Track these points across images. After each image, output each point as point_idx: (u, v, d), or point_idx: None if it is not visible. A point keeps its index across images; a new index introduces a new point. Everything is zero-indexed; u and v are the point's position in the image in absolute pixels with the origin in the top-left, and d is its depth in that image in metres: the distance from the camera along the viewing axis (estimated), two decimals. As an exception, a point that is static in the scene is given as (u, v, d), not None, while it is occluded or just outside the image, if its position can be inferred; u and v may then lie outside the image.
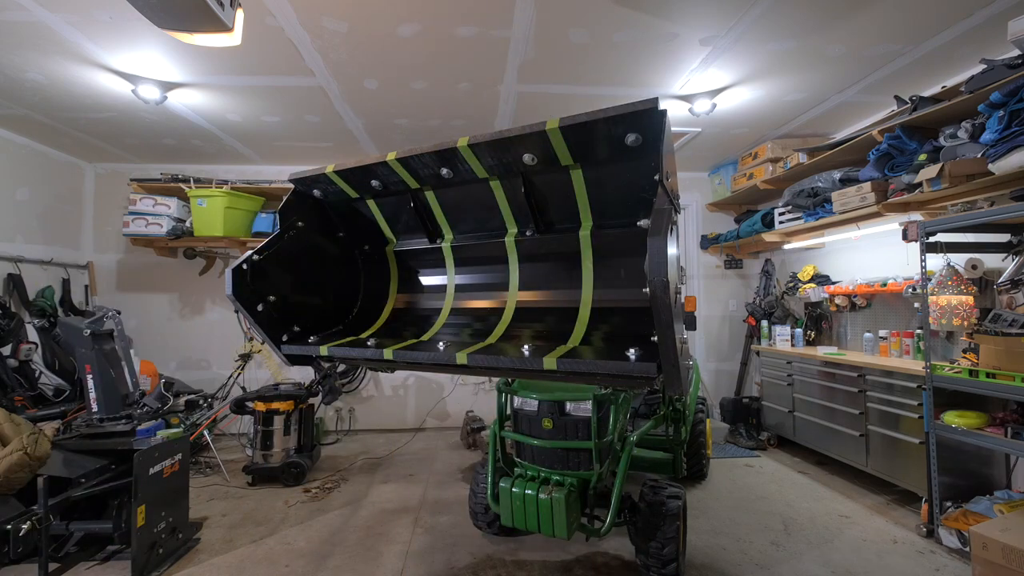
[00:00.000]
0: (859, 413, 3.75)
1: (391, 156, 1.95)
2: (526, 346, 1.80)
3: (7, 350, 4.15)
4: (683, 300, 1.87)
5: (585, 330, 1.99)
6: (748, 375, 5.67)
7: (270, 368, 5.58)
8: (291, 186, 2.27)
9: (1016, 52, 2.65)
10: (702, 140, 4.85)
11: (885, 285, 3.95)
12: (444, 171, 1.98)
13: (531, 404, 2.57)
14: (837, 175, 4.03)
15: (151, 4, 1.93)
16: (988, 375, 2.74)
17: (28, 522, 2.56)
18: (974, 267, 3.26)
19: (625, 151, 1.67)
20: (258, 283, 2.08)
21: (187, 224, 5.07)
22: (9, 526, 2.57)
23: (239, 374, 5.21)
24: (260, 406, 4.10)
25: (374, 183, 2.16)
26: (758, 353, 5.14)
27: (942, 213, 3.23)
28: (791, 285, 5.12)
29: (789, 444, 4.75)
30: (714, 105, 3.92)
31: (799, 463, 4.43)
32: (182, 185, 5.01)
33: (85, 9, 2.68)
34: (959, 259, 3.24)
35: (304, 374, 5.17)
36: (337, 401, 5.34)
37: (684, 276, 2.19)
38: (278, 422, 4.09)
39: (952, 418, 2.93)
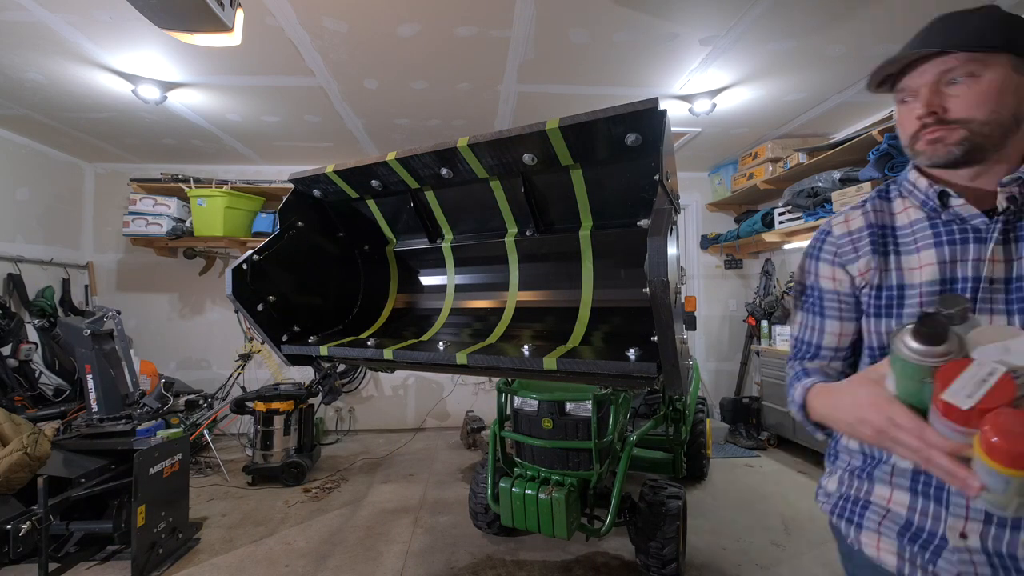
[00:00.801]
0: (859, 413, 3.74)
1: (391, 156, 1.94)
2: (526, 346, 1.80)
3: (7, 350, 4.15)
4: (683, 300, 1.87)
5: (585, 330, 1.99)
6: (748, 375, 5.67)
7: (270, 368, 5.58)
8: (291, 186, 2.26)
9: (1016, 52, 2.65)
10: (702, 140, 4.85)
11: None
12: (444, 171, 1.98)
13: (531, 404, 2.57)
14: (837, 175, 4.03)
15: (151, 4, 1.93)
16: (988, 375, 2.73)
17: (28, 522, 2.56)
18: (974, 267, 3.25)
19: (625, 151, 1.67)
20: (258, 283, 2.08)
21: (187, 224, 5.07)
22: (9, 526, 2.57)
23: (239, 374, 5.21)
24: (260, 406, 4.10)
25: (374, 183, 2.16)
26: (758, 353, 5.14)
27: (942, 213, 3.23)
28: (791, 285, 5.12)
29: (789, 444, 4.75)
30: (714, 105, 3.92)
31: (799, 463, 4.43)
32: (182, 185, 5.01)
33: (85, 9, 2.68)
34: (959, 259, 3.23)
35: (304, 374, 5.17)
36: (337, 401, 5.34)
37: (684, 276, 2.19)
38: (278, 422, 4.09)
39: (952, 418, 2.92)
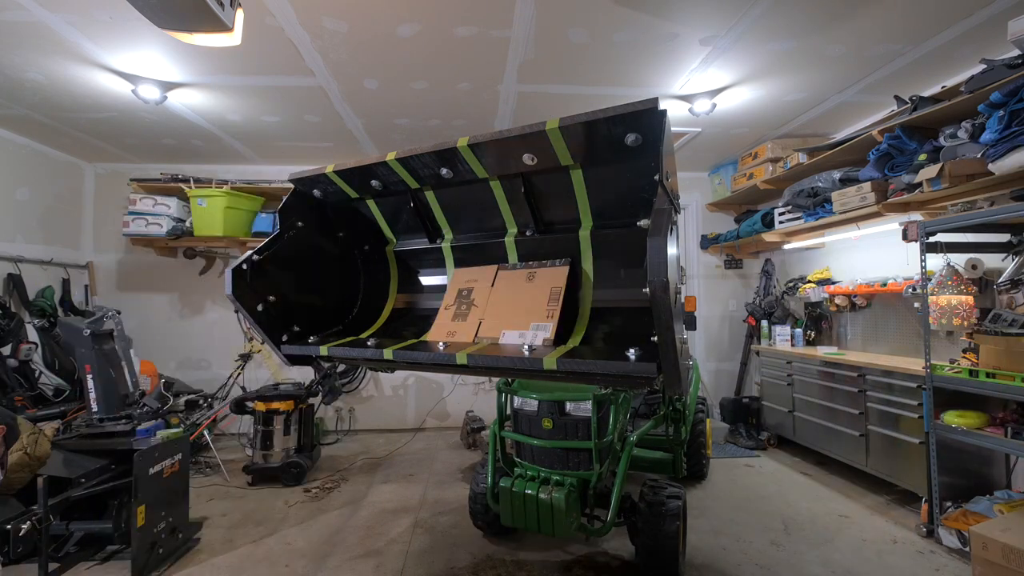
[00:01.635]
0: (859, 413, 3.75)
1: (391, 156, 1.95)
2: (526, 346, 1.80)
3: (7, 350, 4.15)
4: (683, 300, 1.87)
5: (585, 330, 1.99)
6: (748, 375, 5.67)
7: (270, 368, 5.58)
8: (291, 186, 2.27)
9: (1016, 52, 2.65)
10: (702, 140, 4.85)
11: (885, 285, 3.95)
12: (444, 171, 1.98)
13: (531, 404, 2.57)
14: (837, 175, 4.03)
15: (151, 4, 1.93)
16: (988, 375, 2.74)
17: (28, 522, 2.56)
18: (974, 267, 3.26)
19: (625, 151, 1.67)
20: (258, 283, 2.08)
21: (187, 224, 5.07)
22: (9, 526, 2.56)
23: (239, 374, 5.21)
24: (260, 406, 4.10)
25: (374, 183, 2.16)
26: (758, 353, 5.14)
27: (942, 213, 3.23)
28: (791, 285, 5.12)
29: (789, 444, 4.75)
30: (714, 105, 3.92)
31: (799, 463, 4.43)
32: (182, 185, 5.01)
33: (85, 9, 2.68)
34: (959, 259, 3.24)
35: (304, 374, 5.17)
36: (337, 401, 5.34)
37: (684, 276, 2.19)
38: (278, 422, 4.09)
39: (952, 418, 2.93)
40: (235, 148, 5.03)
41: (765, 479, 4.06)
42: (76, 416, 3.57)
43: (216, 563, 2.84)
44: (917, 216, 3.34)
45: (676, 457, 3.58)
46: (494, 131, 1.85)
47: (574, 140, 1.69)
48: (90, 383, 3.11)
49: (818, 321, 4.88)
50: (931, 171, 2.97)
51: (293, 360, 2.18)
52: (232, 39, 2.19)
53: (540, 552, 2.90)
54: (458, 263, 2.39)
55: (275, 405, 4.09)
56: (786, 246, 5.12)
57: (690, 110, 3.97)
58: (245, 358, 5.28)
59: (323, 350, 2.09)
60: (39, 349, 4.44)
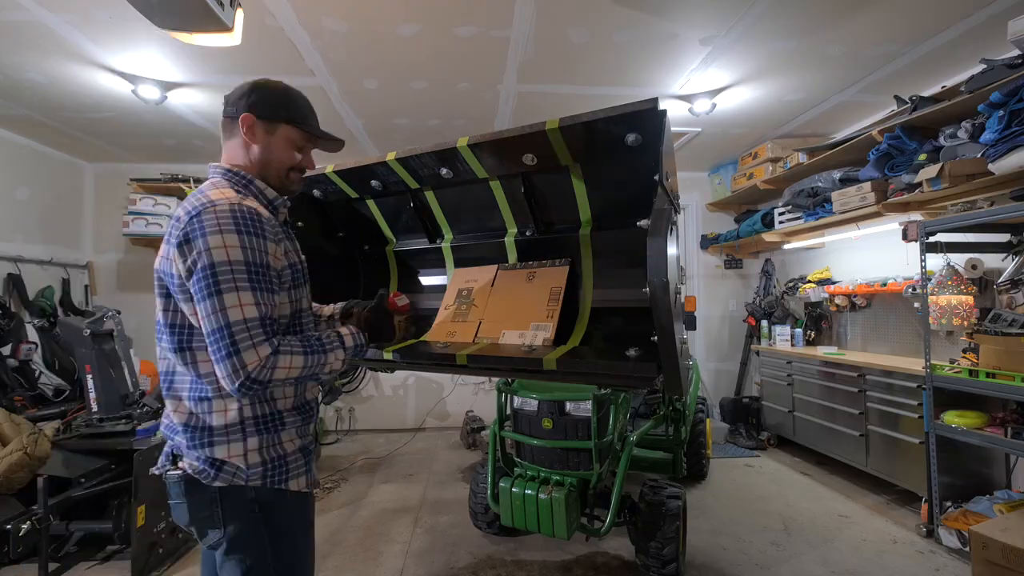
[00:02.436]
0: (859, 413, 3.75)
1: (391, 156, 1.94)
2: (526, 346, 1.80)
3: (7, 350, 4.15)
4: (683, 300, 1.87)
5: (585, 330, 1.99)
6: (748, 375, 5.67)
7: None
8: (291, 186, 2.26)
9: (1016, 52, 2.65)
10: (702, 140, 4.85)
11: (885, 285, 3.95)
12: (444, 171, 1.97)
13: (531, 404, 2.57)
14: (837, 175, 4.03)
15: (151, 4, 1.93)
16: (988, 375, 2.74)
17: (28, 522, 2.57)
18: (974, 267, 3.26)
19: (625, 151, 1.66)
20: (258, 283, 2.08)
21: (187, 224, 5.06)
22: (9, 526, 2.57)
23: (239, 374, 5.21)
24: (260, 406, 4.09)
25: (374, 183, 2.16)
26: (758, 353, 5.14)
27: (942, 213, 3.23)
28: (791, 285, 5.12)
29: (789, 444, 4.75)
30: (714, 105, 3.92)
31: (799, 463, 4.43)
32: (182, 185, 5.01)
33: (85, 9, 2.68)
34: (959, 259, 3.24)
35: (304, 374, 5.17)
36: (337, 401, 5.34)
37: (684, 276, 2.19)
38: (278, 422, 4.08)
39: (952, 418, 2.93)
40: (235, 148, 5.02)
41: (765, 479, 4.06)
42: (76, 416, 3.56)
43: (216, 563, 2.84)
44: (917, 216, 3.34)
45: (676, 457, 3.58)
46: (494, 131, 1.85)
47: (574, 140, 1.69)
48: (90, 383, 3.10)
49: (818, 321, 4.88)
50: (931, 171, 2.97)
51: (293, 360, 2.18)
52: (232, 39, 2.19)
53: (540, 552, 2.90)
54: (458, 263, 2.38)
55: (275, 405, 4.08)
56: (786, 246, 5.12)
57: (690, 110, 3.97)
58: (245, 358, 5.28)
59: (323, 350, 2.09)
60: (39, 349, 4.43)
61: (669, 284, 1.31)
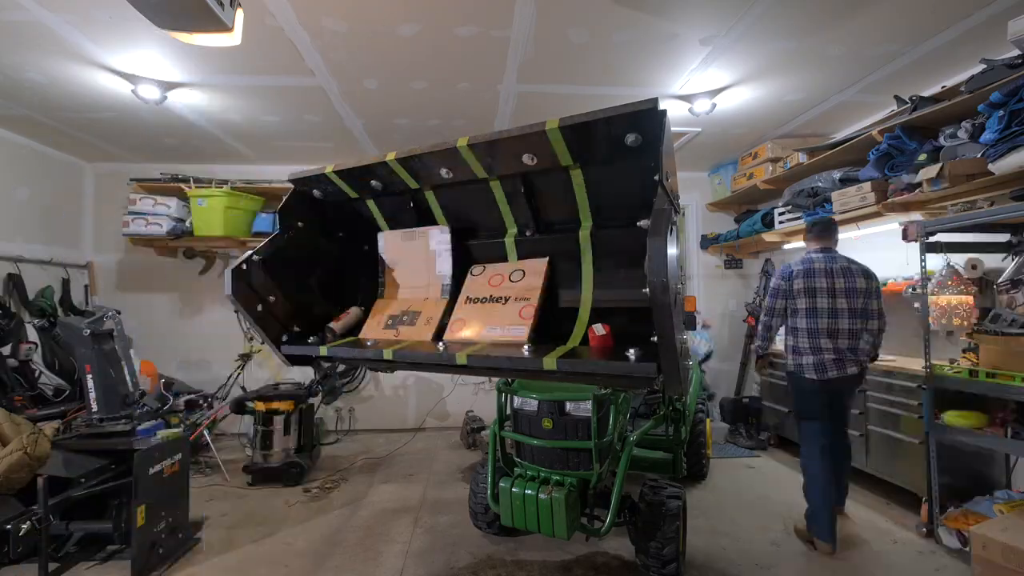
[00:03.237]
0: (859, 413, 3.74)
1: (391, 156, 1.94)
2: (526, 346, 1.80)
3: (7, 350, 4.15)
4: (683, 300, 1.87)
5: (585, 330, 1.99)
6: (748, 375, 5.67)
7: (270, 368, 5.58)
8: (291, 186, 2.26)
9: (1016, 52, 2.65)
10: (702, 140, 4.85)
11: (885, 285, 3.94)
12: (444, 171, 1.97)
13: (531, 404, 2.57)
14: (837, 175, 4.03)
15: (151, 4, 1.93)
16: (988, 375, 2.74)
17: (28, 522, 2.57)
18: (974, 267, 3.26)
19: (625, 151, 1.66)
20: (258, 283, 2.08)
21: (187, 224, 5.07)
22: (9, 526, 2.57)
23: (239, 374, 5.21)
24: (260, 406, 4.10)
25: (374, 183, 2.16)
26: (758, 353, 5.14)
27: (942, 213, 3.23)
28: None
29: (789, 444, 4.75)
30: (714, 105, 3.92)
31: (799, 463, 4.42)
32: (182, 185, 5.01)
33: (85, 9, 2.68)
34: (959, 259, 3.24)
35: (304, 374, 5.17)
36: (337, 401, 5.33)
37: (683, 276, 2.19)
38: (278, 422, 4.09)
39: (952, 418, 2.93)
40: (235, 148, 5.03)
41: (765, 479, 4.06)
42: (76, 416, 3.56)
43: (216, 563, 2.84)
44: (917, 216, 3.34)
45: (676, 457, 3.58)
46: (494, 131, 1.85)
47: (574, 140, 1.69)
48: (90, 383, 3.10)
49: (818, 321, 4.87)
50: (931, 171, 2.97)
51: (293, 360, 2.18)
52: (232, 39, 2.19)
53: (540, 552, 2.90)
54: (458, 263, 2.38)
55: (275, 405, 4.09)
56: (786, 246, 5.11)
57: (690, 110, 3.97)
58: (245, 358, 5.28)
59: (323, 350, 2.09)
60: (39, 349, 4.44)
61: (669, 284, 1.31)
